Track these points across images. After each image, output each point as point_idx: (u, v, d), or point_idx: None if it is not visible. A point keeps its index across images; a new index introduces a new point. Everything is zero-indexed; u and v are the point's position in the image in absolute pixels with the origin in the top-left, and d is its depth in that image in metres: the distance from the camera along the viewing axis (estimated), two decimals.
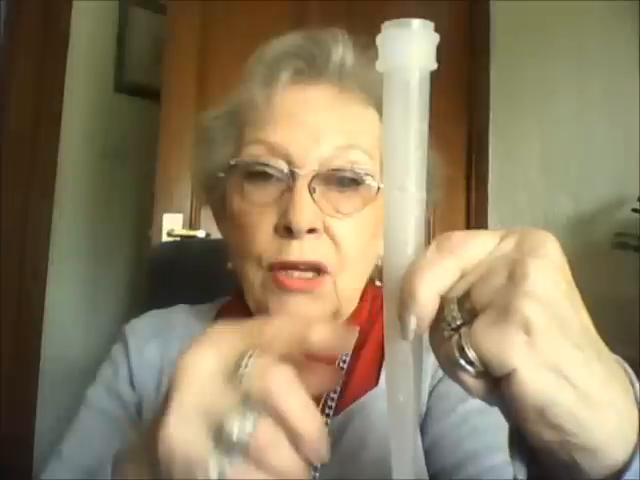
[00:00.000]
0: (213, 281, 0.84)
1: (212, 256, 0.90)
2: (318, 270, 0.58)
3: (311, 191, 0.57)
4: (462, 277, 0.30)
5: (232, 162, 0.60)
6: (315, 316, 0.60)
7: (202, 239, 1.61)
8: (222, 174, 0.63)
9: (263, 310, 0.61)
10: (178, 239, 1.62)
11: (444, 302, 0.30)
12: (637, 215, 1.47)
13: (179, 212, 1.65)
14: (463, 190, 2.05)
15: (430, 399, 0.61)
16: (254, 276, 0.60)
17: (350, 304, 0.64)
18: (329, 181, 0.58)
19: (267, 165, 0.58)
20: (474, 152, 2.05)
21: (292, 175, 0.57)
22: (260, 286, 0.59)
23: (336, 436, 0.60)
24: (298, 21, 1.77)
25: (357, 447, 0.58)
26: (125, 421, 0.66)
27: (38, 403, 1.92)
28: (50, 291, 1.98)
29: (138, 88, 2.14)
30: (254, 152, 0.59)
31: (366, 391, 0.62)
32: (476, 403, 0.58)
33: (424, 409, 0.61)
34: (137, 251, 2.10)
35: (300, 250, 0.56)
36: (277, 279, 0.58)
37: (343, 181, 0.58)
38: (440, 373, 0.62)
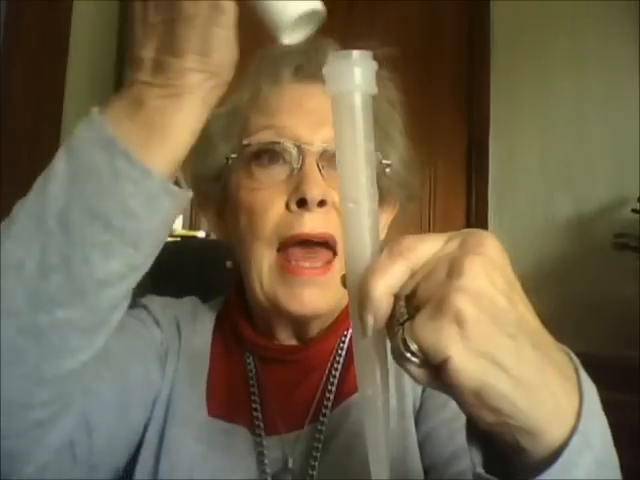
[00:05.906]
0: (213, 281, 0.84)
1: (212, 256, 0.90)
2: (327, 246, 0.60)
3: (320, 167, 0.60)
4: (411, 277, 0.33)
5: (245, 142, 0.63)
6: (325, 302, 0.61)
7: (202, 239, 1.61)
8: (234, 155, 0.64)
9: (272, 300, 0.62)
10: (178, 239, 1.62)
11: (395, 300, 0.33)
12: (637, 215, 1.47)
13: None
14: (463, 190, 2.05)
15: (423, 395, 0.63)
16: (262, 260, 0.61)
17: None
18: (333, 160, 0.60)
19: (279, 144, 0.61)
20: (474, 152, 2.06)
21: (302, 152, 0.61)
22: (268, 273, 0.61)
23: (334, 428, 0.61)
24: None
25: (354, 439, 0.59)
26: (149, 342, 0.65)
27: None
28: None
29: None
30: (264, 137, 0.62)
31: None
32: None
33: (418, 404, 0.62)
34: None
35: (312, 223, 0.59)
36: (287, 267, 0.59)
37: None
38: None
